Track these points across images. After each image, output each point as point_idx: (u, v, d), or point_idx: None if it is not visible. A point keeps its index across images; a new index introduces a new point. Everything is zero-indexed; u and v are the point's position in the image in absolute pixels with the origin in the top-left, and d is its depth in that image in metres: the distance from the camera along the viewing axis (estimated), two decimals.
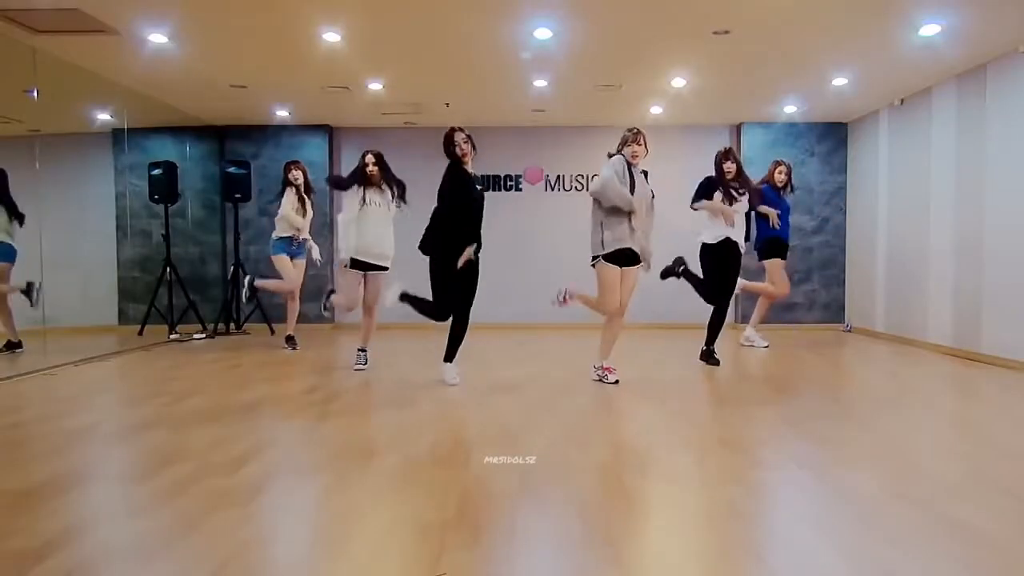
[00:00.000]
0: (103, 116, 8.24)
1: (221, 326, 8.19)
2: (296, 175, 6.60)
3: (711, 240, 5.76)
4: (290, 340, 6.76)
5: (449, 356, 4.86)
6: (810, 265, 8.74)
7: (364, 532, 2.24)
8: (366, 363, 5.51)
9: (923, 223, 6.98)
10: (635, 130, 4.72)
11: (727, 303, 5.82)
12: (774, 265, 6.77)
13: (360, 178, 5.30)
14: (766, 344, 6.86)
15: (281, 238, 6.60)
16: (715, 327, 5.79)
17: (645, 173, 4.80)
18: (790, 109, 8.09)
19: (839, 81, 6.77)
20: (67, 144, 8.26)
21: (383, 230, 5.35)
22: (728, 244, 5.70)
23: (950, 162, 6.57)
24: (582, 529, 2.27)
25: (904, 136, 7.42)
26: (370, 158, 5.34)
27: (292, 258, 6.65)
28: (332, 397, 4.47)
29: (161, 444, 3.34)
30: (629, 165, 4.67)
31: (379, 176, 5.33)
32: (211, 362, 6.10)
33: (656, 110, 8.05)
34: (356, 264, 5.36)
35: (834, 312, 8.78)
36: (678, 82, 6.83)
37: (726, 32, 5.35)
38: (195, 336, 7.68)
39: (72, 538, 2.18)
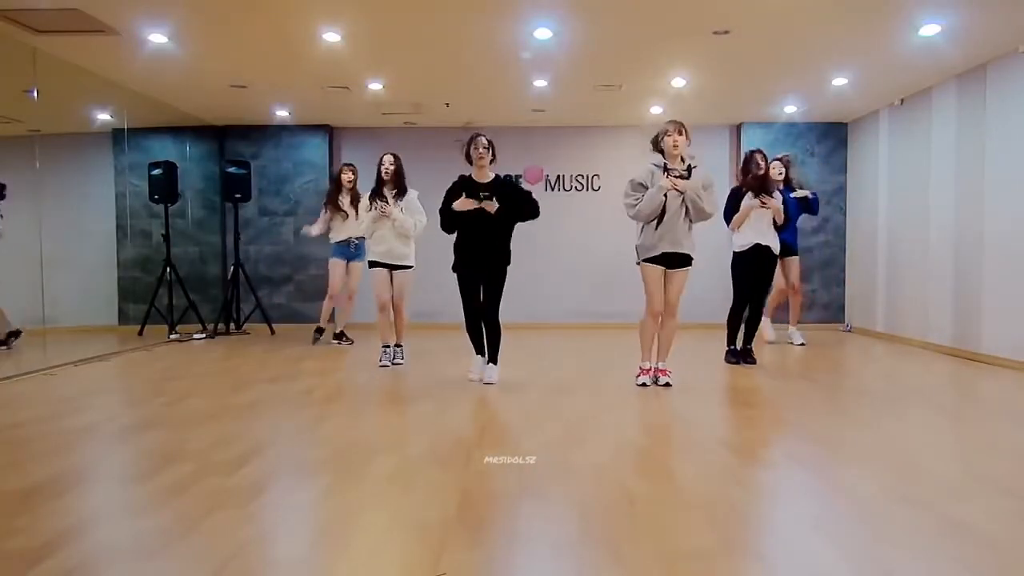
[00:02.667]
0: (103, 116, 8.24)
1: (221, 326, 8.18)
2: (349, 177, 6.83)
3: (739, 248, 5.69)
4: (341, 336, 7.05)
5: (490, 358, 4.89)
6: (810, 265, 8.73)
7: (364, 532, 2.24)
8: (393, 359, 5.66)
9: (923, 223, 6.98)
10: (673, 121, 4.57)
11: (761, 304, 5.78)
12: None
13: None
14: (802, 343, 6.94)
15: (338, 243, 6.84)
16: (751, 329, 5.74)
17: (690, 168, 4.53)
18: (790, 109, 8.09)
19: (839, 81, 6.77)
20: (67, 144, 8.26)
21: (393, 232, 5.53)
22: (758, 249, 5.62)
23: (950, 162, 6.57)
24: (582, 529, 2.27)
25: (904, 136, 7.42)
26: (388, 158, 5.59)
27: (348, 261, 6.88)
28: (332, 397, 4.47)
29: (161, 444, 3.34)
30: (666, 166, 4.52)
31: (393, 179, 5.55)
32: (211, 362, 6.10)
33: (656, 110, 8.05)
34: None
35: (834, 312, 8.78)
36: (678, 82, 6.83)
37: (726, 32, 5.35)
38: (195, 336, 7.68)
39: (72, 538, 2.18)
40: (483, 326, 4.83)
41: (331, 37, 5.48)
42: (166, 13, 5.02)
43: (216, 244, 8.97)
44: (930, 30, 5.25)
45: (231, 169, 8.17)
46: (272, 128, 8.79)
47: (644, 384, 4.71)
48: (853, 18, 5.06)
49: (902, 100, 7.39)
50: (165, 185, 7.71)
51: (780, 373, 5.39)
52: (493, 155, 4.75)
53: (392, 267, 5.53)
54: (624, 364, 6.07)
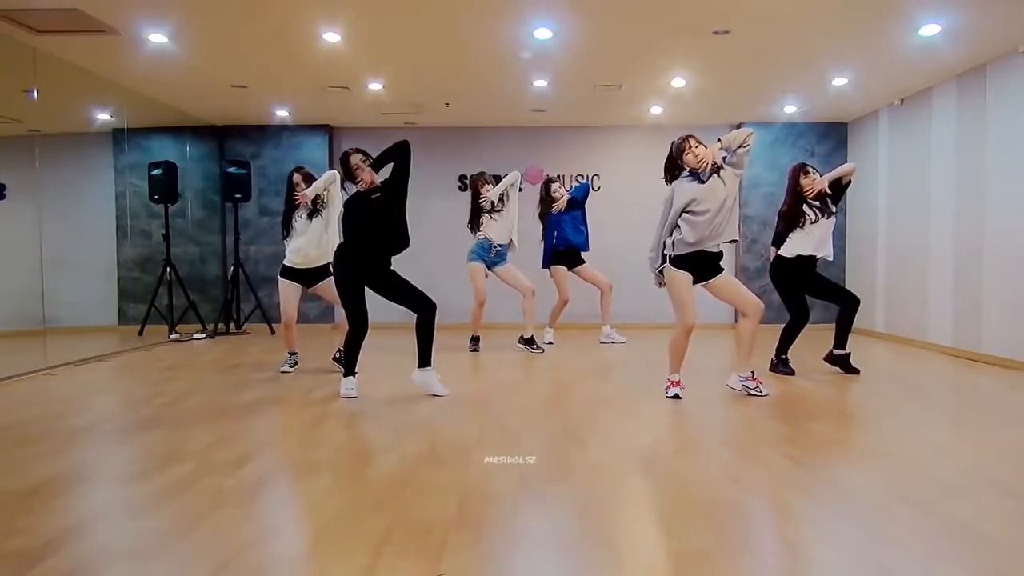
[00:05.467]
0: (103, 116, 8.24)
1: (221, 326, 8.19)
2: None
3: (787, 254, 5.18)
4: (531, 341, 6.71)
5: (423, 360, 4.47)
6: None
7: (364, 532, 2.24)
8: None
9: (923, 223, 6.98)
10: (681, 138, 4.32)
11: (852, 298, 5.29)
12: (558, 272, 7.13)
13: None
14: (550, 342, 7.09)
15: (480, 243, 6.68)
16: (843, 329, 5.29)
17: (718, 170, 4.21)
18: (790, 109, 8.09)
19: (839, 81, 6.77)
20: (67, 144, 8.26)
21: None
22: (803, 259, 5.12)
23: (950, 162, 6.57)
24: (582, 529, 2.27)
25: (904, 136, 7.42)
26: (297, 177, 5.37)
27: (490, 266, 6.74)
28: (332, 397, 4.47)
29: (161, 444, 3.34)
30: (697, 175, 4.23)
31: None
32: (211, 362, 6.09)
33: (656, 110, 8.05)
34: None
35: (834, 312, 8.66)
36: (678, 82, 6.82)
37: (726, 32, 5.35)
38: (195, 336, 7.68)
39: (72, 538, 2.18)
40: (416, 329, 4.44)
41: (331, 37, 5.48)
42: (166, 13, 5.02)
43: (216, 244, 8.97)
44: (930, 30, 5.24)
45: (231, 169, 8.17)
46: (272, 128, 8.79)
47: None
48: (853, 18, 5.06)
49: (902, 100, 7.39)
50: (165, 185, 7.71)
51: (779, 374, 5.38)
52: (372, 164, 4.43)
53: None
54: (625, 363, 6.07)
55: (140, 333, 7.80)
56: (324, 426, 3.75)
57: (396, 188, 4.43)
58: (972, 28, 5.23)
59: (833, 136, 8.72)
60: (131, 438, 3.52)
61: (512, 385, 4.91)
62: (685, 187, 4.28)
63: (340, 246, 4.53)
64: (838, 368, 5.34)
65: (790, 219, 5.21)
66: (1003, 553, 2.10)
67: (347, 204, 4.55)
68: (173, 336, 7.54)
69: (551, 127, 8.86)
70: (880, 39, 5.54)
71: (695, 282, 4.32)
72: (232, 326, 8.36)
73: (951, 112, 6.56)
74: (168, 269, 7.71)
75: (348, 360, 4.52)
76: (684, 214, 4.24)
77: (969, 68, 6.23)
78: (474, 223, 6.65)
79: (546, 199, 7.06)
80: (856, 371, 5.27)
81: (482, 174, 6.83)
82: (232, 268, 8.26)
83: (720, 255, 4.37)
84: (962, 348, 6.32)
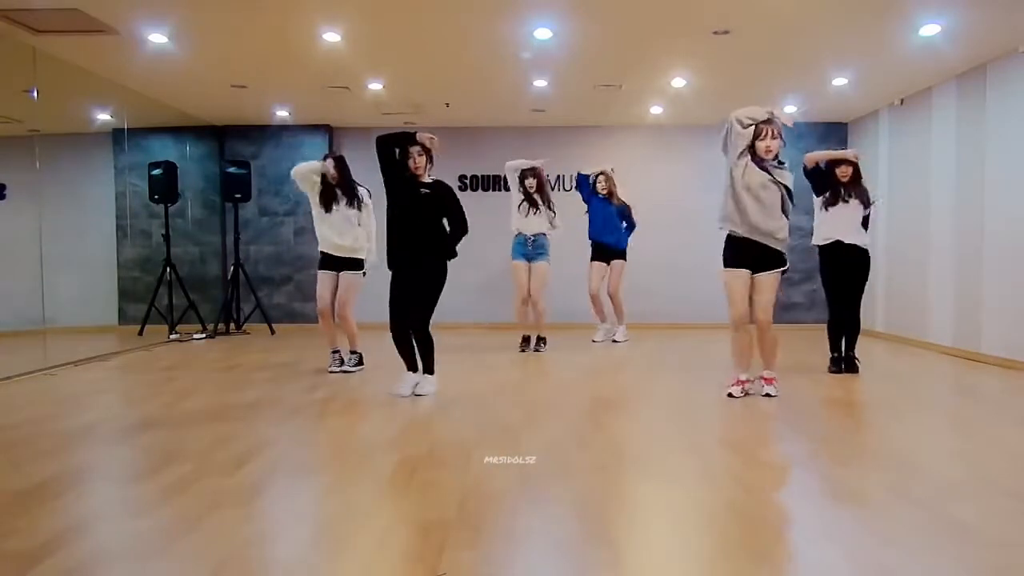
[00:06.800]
0: (103, 116, 8.25)
1: (221, 326, 8.19)
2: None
3: (819, 242, 5.25)
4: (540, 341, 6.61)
5: (426, 369, 4.50)
6: (810, 265, 8.71)
7: (364, 532, 2.24)
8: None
9: (923, 223, 6.98)
10: (767, 122, 4.25)
11: (856, 312, 5.25)
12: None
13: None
14: (625, 339, 7.12)
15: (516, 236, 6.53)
16: (850, 335, 5.28)
17: (780, 163, 4.34)
18: (790, 109, 8.08)
19: (839, 81, 6.77)
20: (67, 144, 8.26)
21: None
22: (840, 247, 5.12)
23: (950, 162, 6.57)
24: (582, 529, 2.27)
25: (904, 136, 7.42)
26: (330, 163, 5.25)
27: (529, 261, 6.52)
28: (332, 397, 4.47)
29: (161, 444, 3.34)
30: (761, 161, 4.24)
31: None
32: (211, 362, 6.09)
33: (656, 110, 8.05)
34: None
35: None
36: (678, 82, 6.82)
37: (726, 32, 5.35)
38: (195, 336, 7.68)
39: (72, 538, 2.18)
40: (412, 339, 4.41)
41: (331, 37, 5.48)
42: (166, 13, 5.02)
43: (216, 244, 8.97)
44: (930, 30, 5.24)
45: (231, 169, 8.17)
46: (272, 128, 8.78)
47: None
48: (853, 18, 5.06)
49: (902, 100, 7.38)
50: (165, 185, 7.71)
51: (779, 373, 5.37)
52: (430, 159, 4.46)
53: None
54: (625, 363, 6.07)
55: (140, 333, 7.79)
56: (324, 426, 3.75)
57: (453, 211, 4.41)
58: (972, 28, 5.22)
59: (833, 136, 8.71)
60: (131, 438, 3.53)
61: (512, 385, 4.91)
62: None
63: (388, 246, 4.37)
64: (850, 369, 5.30)
65: (825, 182, 5.33)
66: (1003, 553, 2.10)
67: (393, 184, 4.39)
68: (173, 336, 7.54)
69: (551, 127, 8.86)
70: (880, 39, 5.54)
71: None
72: (232, 326, 8.36)
73: (951, 112, 6.56)
74: (168, 269, 7.71)
75: (406, 359, 4.45)
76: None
77: (969, 68, 6.23)
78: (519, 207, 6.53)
79: (592, 189, 7.15)
80: (854, 369, 5.28)
81: (535, 170, 6.58)
82: (232, 268, 8.26)
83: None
84: (962, 348, 6.32)
